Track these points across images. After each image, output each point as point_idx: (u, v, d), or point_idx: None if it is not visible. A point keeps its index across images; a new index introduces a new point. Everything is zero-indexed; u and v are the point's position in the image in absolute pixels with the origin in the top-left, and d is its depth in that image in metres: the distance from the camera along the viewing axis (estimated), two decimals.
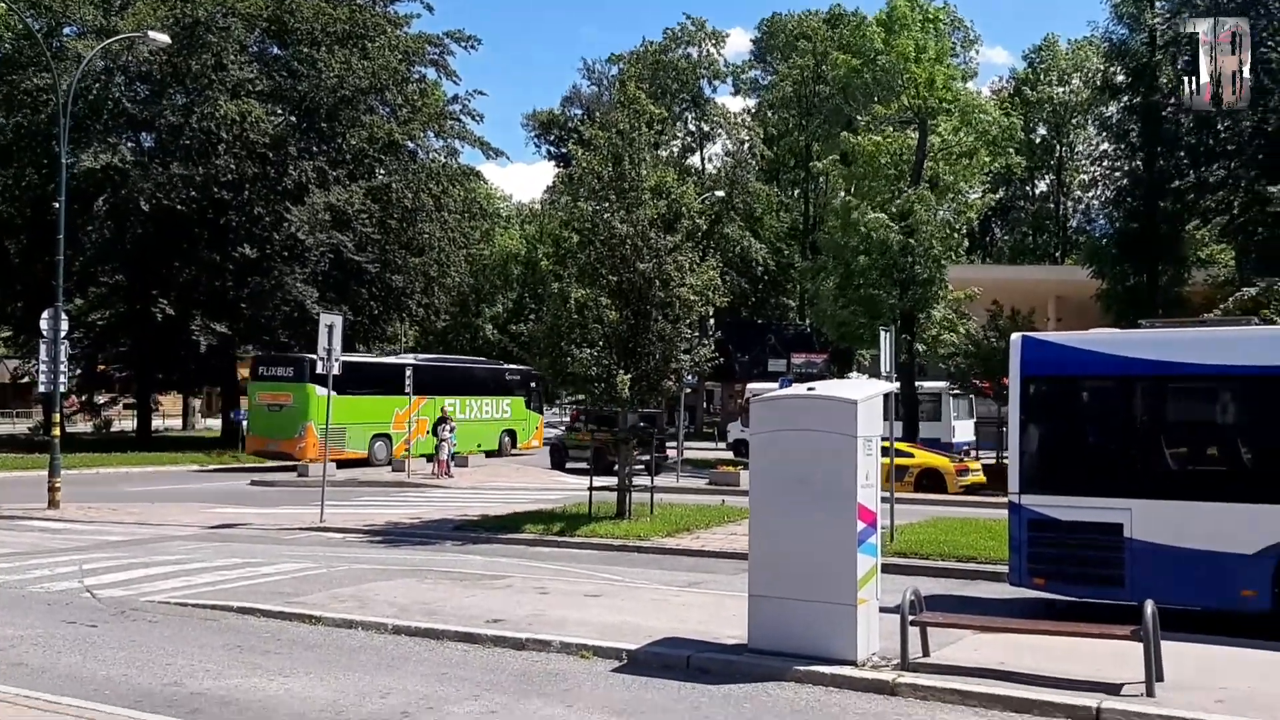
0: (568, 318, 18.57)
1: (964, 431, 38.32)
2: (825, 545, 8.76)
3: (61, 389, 22.55)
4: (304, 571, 14.11)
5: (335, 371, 20.49)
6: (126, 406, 52.45)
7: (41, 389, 22.62)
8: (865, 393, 8.99)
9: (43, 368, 22.35)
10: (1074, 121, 75.61)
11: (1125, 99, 32.59)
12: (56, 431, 22.58)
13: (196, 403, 64.18)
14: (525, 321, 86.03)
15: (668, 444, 33.29)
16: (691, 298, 18.59)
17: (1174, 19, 31.33)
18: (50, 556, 15.83)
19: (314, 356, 21.82)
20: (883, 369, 15.84)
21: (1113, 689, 8.08)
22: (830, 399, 8.94)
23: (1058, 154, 75.83)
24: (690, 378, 22.11)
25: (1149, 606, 8.08)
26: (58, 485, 22.22)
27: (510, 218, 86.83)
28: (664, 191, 19.31)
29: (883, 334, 16.10)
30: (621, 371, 18.23)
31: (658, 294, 18.61)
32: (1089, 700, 7.80)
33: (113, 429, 50.81)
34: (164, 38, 25.82)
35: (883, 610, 9.22)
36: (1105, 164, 37.39)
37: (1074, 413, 11.67)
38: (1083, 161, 79.18)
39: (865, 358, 61.89)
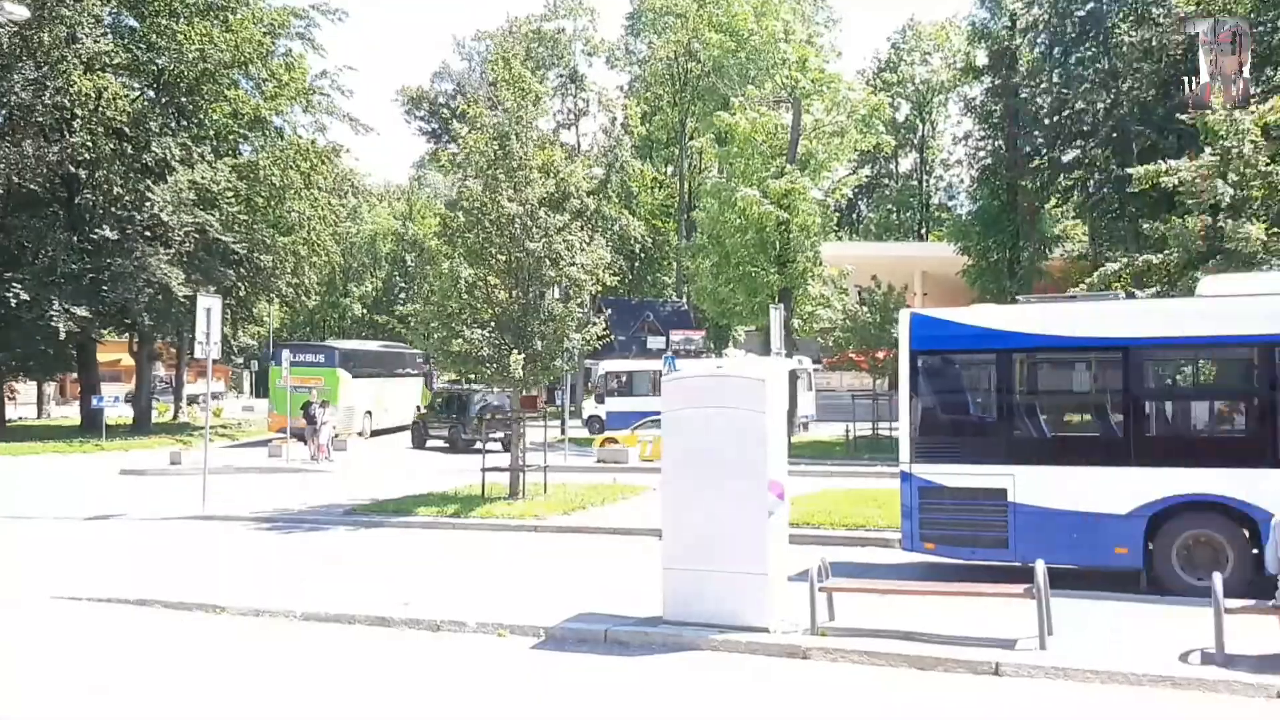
0: (457, 297, 18.47)
1: (806, 406, 39.44)
2: (736, 518, 9.06)
3: None
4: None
5: (214, 356, 19.93)
6: None
7: None
8: (772, 371, 9.31)
9: None
10: (936, 101, 78.21)
11: (988, 80, 33.91)
12: None
13: (50, 389, 61.30)
14: (395, 301, 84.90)
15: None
16: (582, 276, 18.71)
17: (1031, 6, 32.78)
18: None
19: (341, 346, 22.28)
20: (773, 346, 16.30)
21: (1008, 644, 8.62)
22: (739, 377, 9.23)
23: (920, 133, 78.22)
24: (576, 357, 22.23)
25: (1040, 566, 8.63)
26: None
27: (381, 195, 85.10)
28: (551, 170, 19.32)
29: (773, 311, 16.55)
30: (515, 352, 18.27)
31: (548, 273, 18.68)
32: (988, 655, 8.30)
33: None
34: (21, 9, 24.45)
35: (790, 579, 9.60)
36: (969, 143, 38.86)
37: (959, 385, 12.28)
38: (945, 140, 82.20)
39: (741, 334, 63.17)
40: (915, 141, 79.47)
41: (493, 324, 18.61)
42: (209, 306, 19.88)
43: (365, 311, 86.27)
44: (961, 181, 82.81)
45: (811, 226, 33.85)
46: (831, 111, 36.04)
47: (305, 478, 26.53)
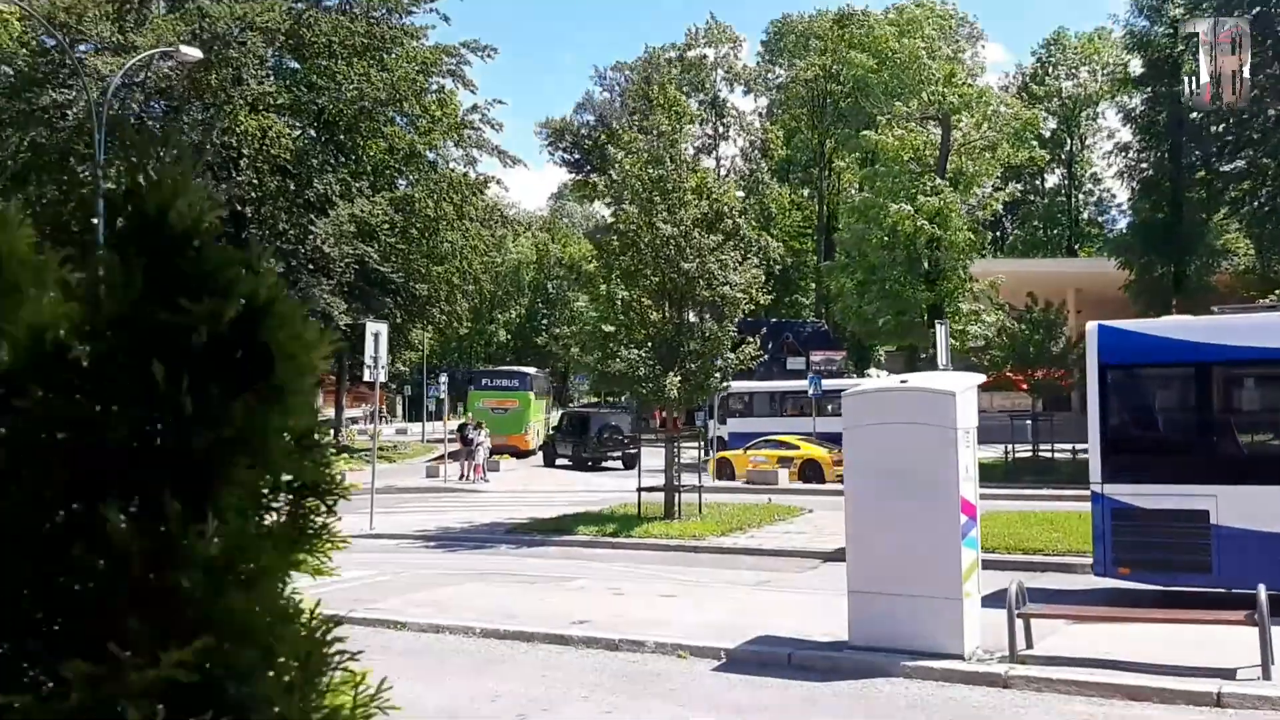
0: (614, 318, 18.56)
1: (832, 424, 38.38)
2: (927, 539, 8.74)
3: None
4: (371, 579, 14.09)
5: (382, 379, 20.49)
6: None
7: None
8: (962, 384, 8.98)
9: None
10: (1084, 115, 75.63)
11: (1150, 88, 32.53)
12: None
13: None
14: (538, 328, 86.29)
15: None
16: (737, 295, 18.57)
17: (1195, 11, 31.30)
18: None
19: (532, 371, 23.61)
20: (940, 362, 15.84)
21: (1227, 674, 8.05)
22: (929, 391, 8.93)
23: (1068, 147, 75.69)
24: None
25: (1262, 592, 8.05)
26: None
27: (526, 224, 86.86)
28: (704, 192, 19.30)
29: (939, 327, 16.12)
30: (671, 374, 18.24)
31: (702, 292, 18.61)
32: (1208, 686, 7.77)
33: None
34: (195, 52, 25.85)
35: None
36: (1129, 155, 37.28)
37: (1153, 400, 11.67)
38: (1098, 154, 79.36)
39: (882, 354, 61.99)
40: (1063, 156, 76.87)
41: (649, 344, 18.62)
42: (377, 331, 20.44)
43: (510, 338, 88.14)
44: (1113, 196, 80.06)
45: (961, 242, 33.03)
46: (982, 126, 35.14)
47: (463, 498, 27.09)
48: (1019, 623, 8.75)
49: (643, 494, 19.40)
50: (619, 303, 18.40)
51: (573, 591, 12.65)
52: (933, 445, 8.76)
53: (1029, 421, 31.91)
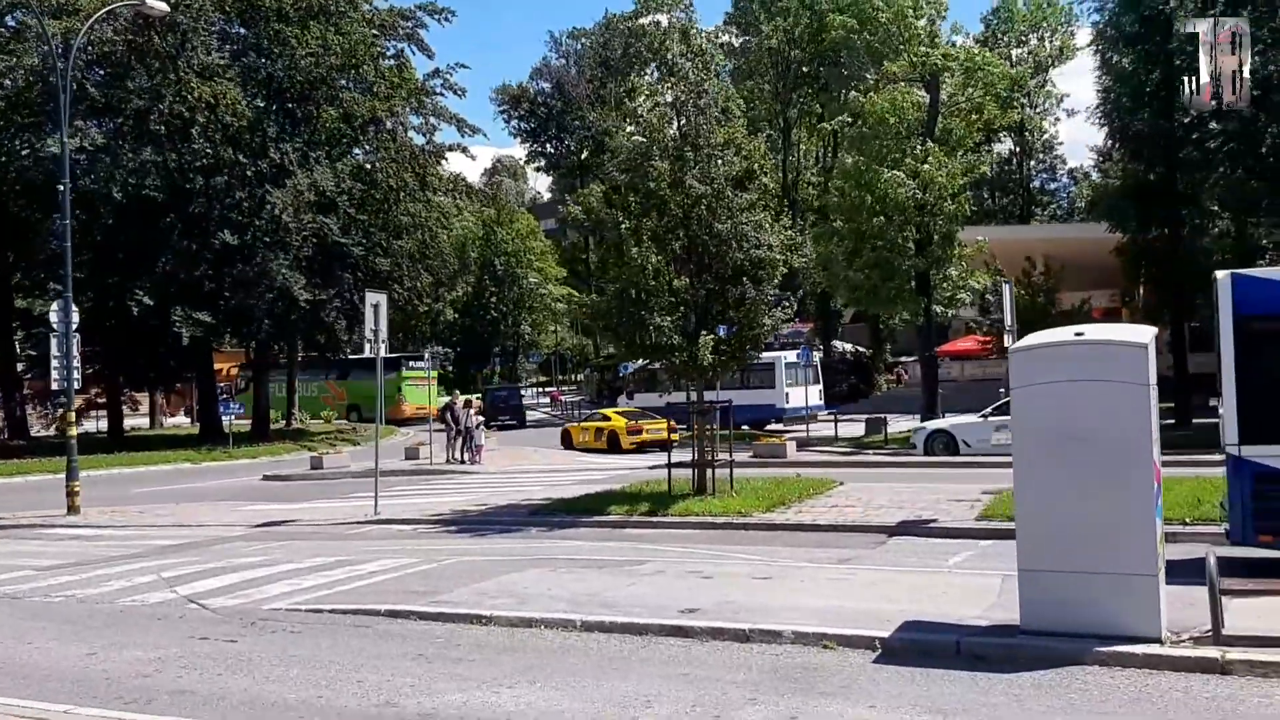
0: (644, 284, 17.35)
1: (800, 398, 39.12)
2: (1118, 509, 7.77)
3: (76, 385, 20.84)
4: (413, 567, 12.87)
5: (383, 353, 19.12)
6: (94, 406, 50.08)
7: (55, 385, 20.91)
8: (1147, 335, 8.00)
9: (54, 363, 20.67)
10: (1033, 82, 75.71)
11: (1143, 46, 31.89)
12: (73, 432, 20.93)
13: (160, 400, 61.74)
14: (486, 306, 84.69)
15: None
16: (775, 257, 17.51)
17: None
18: (111, 565, 14.38)
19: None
20: (1006, 321, 14.92)
21: None
22: (1116, 343, 7.93)
23: (1019, 115, 75.75)
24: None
25: None
26: (77, 489, 20.65)
27: (488, 197, 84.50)
28: (735, 147, 18.15)
29: (1005, 287, 15.21)
30: (705, 334, 17.13)
31: (735, 255, 17.50)
32: None
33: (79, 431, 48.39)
34: (162, 5, 23.90)
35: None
36: (1118, 118, 36.46)
37: None
38: (1049, 119, 79.70)
39: (841, 325, 61.47)
40: (1013, 124, 77.00)
41: (682, 309, 17.48)
42: (376, 303, 19.11)
43: (456, 316, 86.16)
44: (1064, 163, 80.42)
45: (951, 208, 32.33)
46: (967, 88, 34.40)
47: (455, 479, 25.80)
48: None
49: (646, 471, 18.41)
50: (649, 267, 17.17)
51: (650, 576, 11.52)
52: (1123, 404, 7.77)
53: (1001, 390, 31.38)
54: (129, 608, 11.31)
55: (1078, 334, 8.23)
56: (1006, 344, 15.10)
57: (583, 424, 36.68)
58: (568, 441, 36.11)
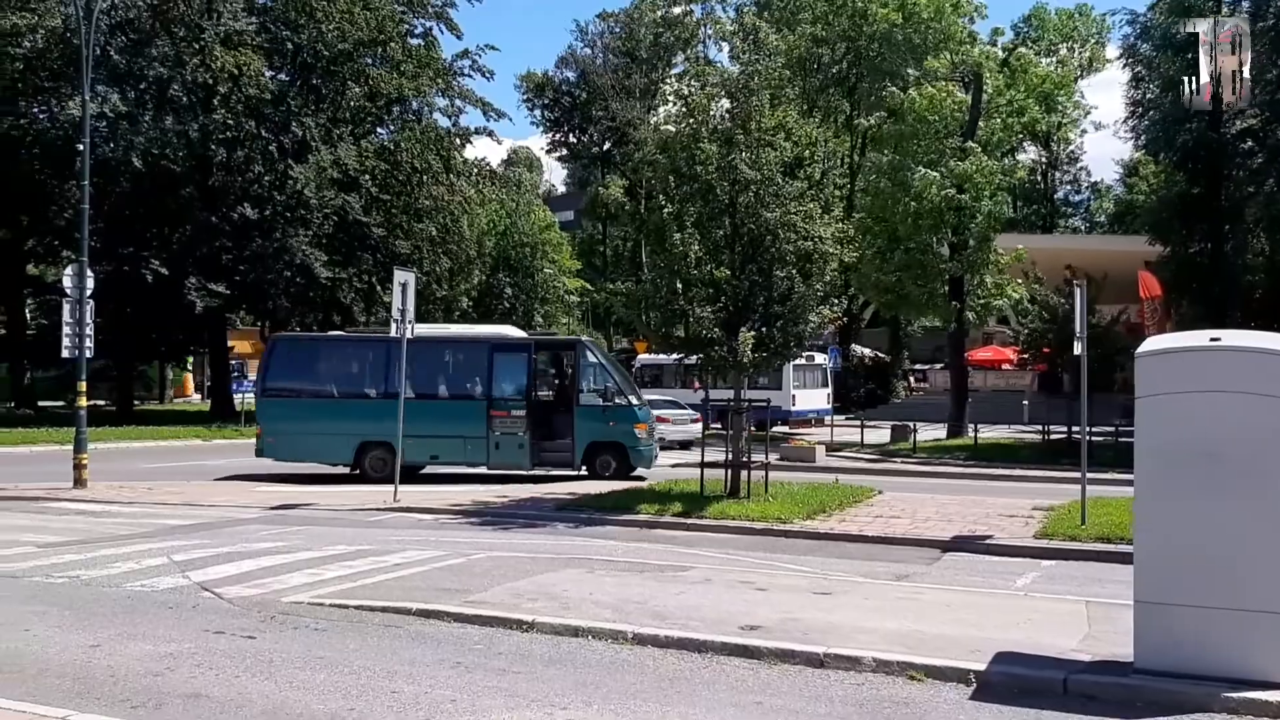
0: (685, 272, 16.49)
1: (807, 400, 38.46)
2: (1264, 541, 6.90)
3: (88, 354, 20.05)
4: (441, 561, 12.05)
5: (409, 335, 18.29)
6: (102, 378, 49.33)
7: (65, 354, 20.10)
8: None
9: (66, 330, 19.88)
10: (1060, 94, 74.59)
11: (1191, 55, 30.94)
12: (83, 402, 20.10)
13: (169, 375, 61.02)
14: (501, 296, 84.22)
15: None
16: (828, 250, 16.63)
17: None
18: (118, 545, 13.57)
19: None
20: (1076, 328, 14.04)
21: None
22: (1265, 352, 7.05)
23: (1060, 119, 74.73)
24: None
25: None
26: (85, 462, 19.86)
27: (512, 183, 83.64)
28: (787, 132, 17.28)
29: (1077, 289, 14.31)
30: (745, 329, 16.28)
31: (783, 246, 16.63)
32: None
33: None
34: None
35: None
36: (1161, 126, 35.52)
37: None
38: (1073, 133, 78.56)
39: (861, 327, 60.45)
40: (1039, 135, 76.01)
41: (722, 300, 16.61)
42: (404, 281, 18.24)
43: (471, 305, 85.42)
44: (1089, 174, 79.27)
45: (989, 211, 31.47)
46: (1012, 88, 33.41)
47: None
48: None
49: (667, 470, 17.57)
50: (691, 255, 16.31)
51: (698, 585, 10.67)
52: (1267, 419, 6.90)
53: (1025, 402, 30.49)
54: (137, 593, 10.49)
55: (1213, 339, 7.35)
56: (1076, 351, 14.20)
57: None
58: None
